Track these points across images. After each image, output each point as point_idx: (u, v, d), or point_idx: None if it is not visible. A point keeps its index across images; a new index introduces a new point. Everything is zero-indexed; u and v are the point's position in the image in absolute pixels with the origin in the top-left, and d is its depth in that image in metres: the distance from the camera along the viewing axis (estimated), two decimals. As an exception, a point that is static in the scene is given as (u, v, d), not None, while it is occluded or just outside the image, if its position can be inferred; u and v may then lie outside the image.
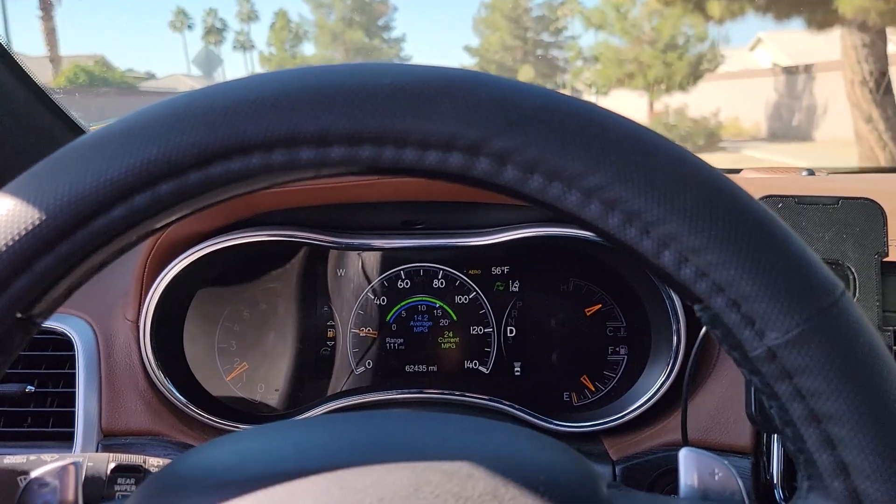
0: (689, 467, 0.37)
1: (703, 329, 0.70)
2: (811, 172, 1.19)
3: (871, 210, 0.61)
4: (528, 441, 0.37)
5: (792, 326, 0.29)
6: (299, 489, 0.32)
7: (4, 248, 0.30)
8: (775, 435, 0.73)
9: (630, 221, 0.30)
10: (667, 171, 0.30)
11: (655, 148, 0.31)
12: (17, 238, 0.30)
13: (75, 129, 1.08)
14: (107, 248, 0.32)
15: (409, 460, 0.33)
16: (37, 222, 0.30)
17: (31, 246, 0.30)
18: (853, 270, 0.61)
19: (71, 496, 0.37)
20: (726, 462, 0.37)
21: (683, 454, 0.38)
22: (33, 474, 0.37)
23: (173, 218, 0.32)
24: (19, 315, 0.31)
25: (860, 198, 0.62)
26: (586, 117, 0.31)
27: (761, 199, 0.66)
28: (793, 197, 0.63)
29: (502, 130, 0.30)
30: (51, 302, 0.32)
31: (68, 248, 0.30)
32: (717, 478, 0.37)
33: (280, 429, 0.39)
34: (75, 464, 0.38)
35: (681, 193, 0.30)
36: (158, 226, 0.32)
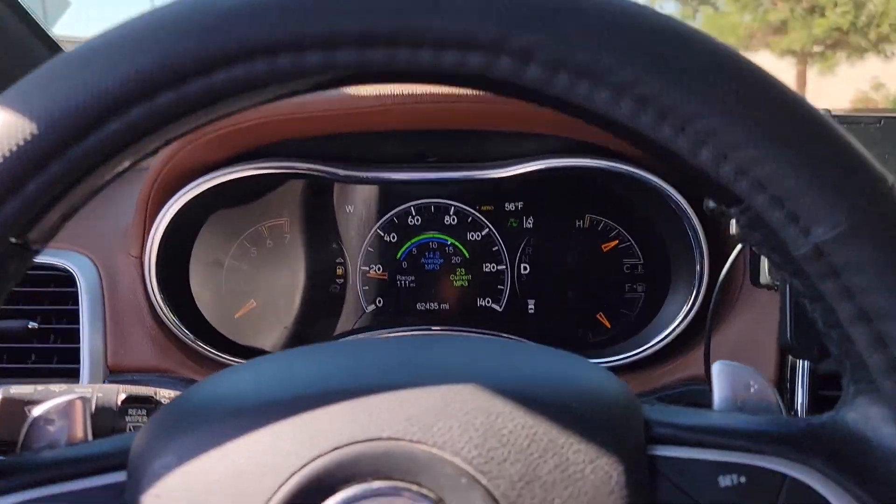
0: (724, 380, 0.36)
1: (731, 258, 0.68)
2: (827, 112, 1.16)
3: (914, 128, 0.58)
4: (560, 359, 0.36)
5: (840, 221, 0.28)
6: (325, 413, 0.31)
7: None
8: (801, 367, 0.71)
9: (664, 118, 0.28)
10: (702, 62, 0.28)
11: (689, 38, 0.29)
12: (4, 157, 0.28)
13: (54, 48, 1.04)
14: (103, 169, 0.29)
15: (436, 380, 0.32)
16: (26, 140, 0.28)
17: (21, 165, 0.28)
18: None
19: (79, 432, 0.36)
20: (760, 374, 0.36)
21: (717, 367, 0.36)
22: (36, 411, 0.36)
23: (174, 134, 0.30)
24: (13, 240, 0.29)
25: None
26: (614, 6, 0.29)
27: None
28: (833, 116, 0.60)
29: (525, 24, 0.28)
30: (47, 228, 0.30)
31: (61, 168, 0.28)
32: (752, 389, 0.36)
33: (300, 354, 0.38)
34: (83, 398, 0.36)
35: (717, 86, 0.28)
36: (158, 143, 0.30)
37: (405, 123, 0.82)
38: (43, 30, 1.01)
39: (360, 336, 0.89)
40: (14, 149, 0.28)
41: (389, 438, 0.30)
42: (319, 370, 0.35)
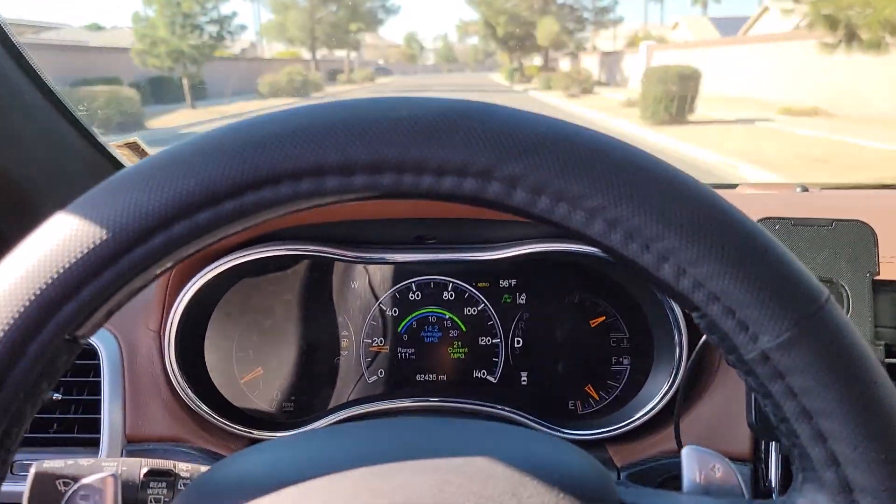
0: (691, 464, 0.40)
1: (702, 340, 0.73)
2: (805, 189, 1.23)
3: (862, 231, 0.65)
4: (544, 443, 0.41)
5: (782, 330, 0.32)
6: (331, 491, 0.35)
7: (57, 275, 0.32)
8: (773, 443, 0.76)
9: (631, 238, 0.33)
10: (663, 190, 0.33)
11: (652, 170, 0.34)
12: (68, 265, 0.32)
13: (96, 144, 1.12)
14: (147, 273, 0.34)
15: (433, 464, 0.36)
16: (86, 251, 0.32)
17: (81, 272, 0.32)
18: (846, 288, 0.65)
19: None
20: (726, 458, 0.41)
21: (686, 452, 0.41)
22: (75, 485, 0.40)
23: (207, 243, 0.35)
24: (67, 337, 0.33)
25: (853, 220, 0.66)
26: (588, 143, 0.34)
27: (759, 221, 0.69)
28: (789, 219, 0.66)
29: (511, 157, 0.33)
30: (93, 324, 0.34)
31: (112, 275, 0.33)
32: (717, 473, 0.40)
33: (310, 437, 0.42)
34: (114, 475, 0.41)
35: (676, 211, 0.32)
36: (193, 251, 0.35)
37: (406, 213, 0.89)
38: (87, 128, 1.09)
39: (361, 408, 0.94)
40: (75, 258, 0.33)
41: None
42: (331, 455, 0.39)
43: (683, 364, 0.86)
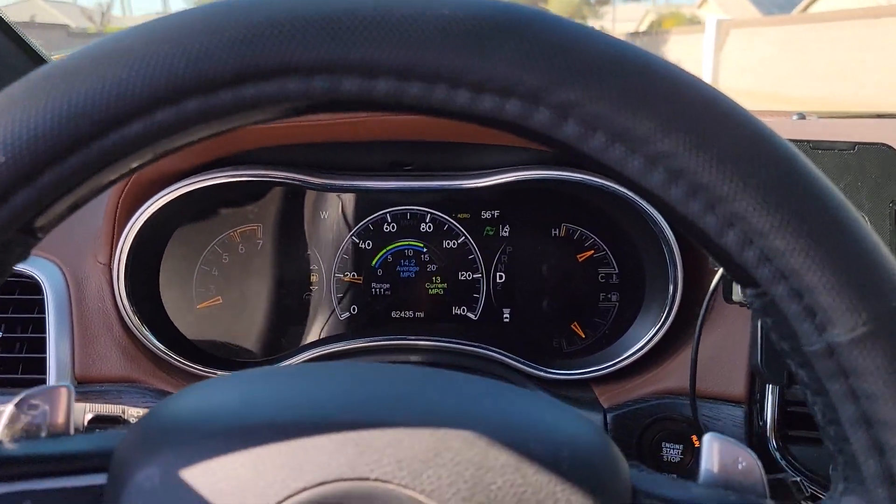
0: (712, 453, 0.36)
1: (715, 280, 0.68)
2: (802, 116, 1.17)
3: (887, 156, 0.59)
4: (553, 411, 0.36)
5: (858, 324, 0.27)
6: (312, 444, 0.30)
7: (14, 154, 0.27)
8: (770, 386, 0.72)
9: (695, 195, 0.28)
10: (742, 144, 0.28)
11: (732, 118, 0.28)
12: (27, 144, 0.27)
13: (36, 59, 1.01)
14: (120, 165, 0.29)
15: (428, 420, 0.31)
16: (49, 130, 0.27)
17: (42, 155, 0.27)
18: (866, 219, 0.60)
19: (61, 419, 0.35)
20: (751, 452, 0.36)
21: (707, 439, 0.36)
22: (23, 393, 0.35)
23: (193, 139, 0.29)
24: (22, 227, 0.29)
25: (877, 143, 0.59)
26: (660, 74, 0.28)
27: None
28: (807, 142, 0.60)
29: (567, 79, 0.27)
30: (54, 216, 0.30)
31: (79, 162, 0.28)
32: (740, 466, 0.35)
33: (291, 373, 0.37)
34: (68, 387, 0.35)
35: (755, 171, 0.28)
36: (174, 146, 0.29)
37: (381, 134, 0.81)
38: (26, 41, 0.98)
39: (332, 347, 0.88)
40: (35, 138, 0.27)
41: (377, 480, 0.29)
42: (311, 395, 0.34)
43: (677, 303, 0.81)
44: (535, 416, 0.34)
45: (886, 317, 0.27)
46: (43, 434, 0.34)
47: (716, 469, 0.35)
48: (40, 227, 0.30)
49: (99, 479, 0.31)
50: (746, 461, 0.35)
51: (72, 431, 0.35)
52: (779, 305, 0.29)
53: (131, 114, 0.27)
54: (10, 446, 0.32)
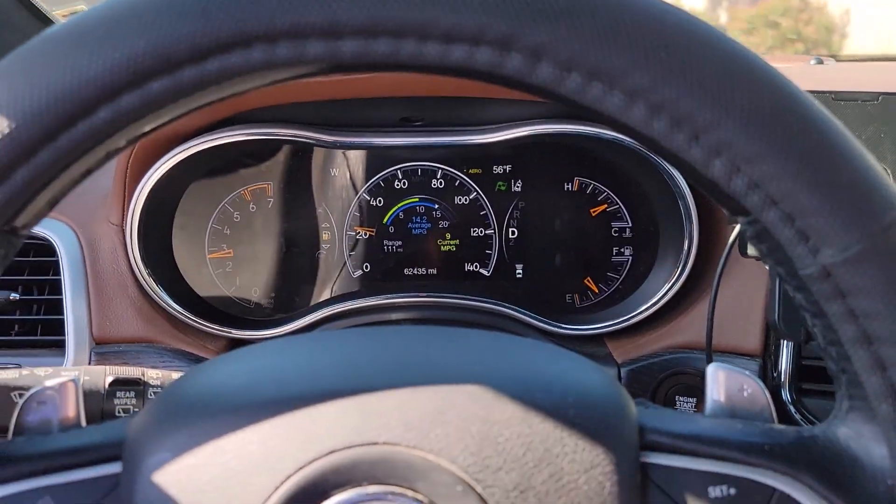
0: (717, 383, 0.36)
1: (734, 233, 0.67)
2: (819, 61, 1.14)
3: (912, 107, 0.57)
4: (556, 359, 0.36)
5: (851, 244, 0.27)
6: (320, 414, 0.30)
7: None
8: (786, 341, 0.72)
9: (678, 127, 0.28)
10: (721, 70, 0.27)
11: (709, 44, 0.28)
12: None
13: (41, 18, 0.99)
14: (92, 155, 0.29)
15: (432, 380, 0.32)
16: (13, 127, 0.27)
17: (8, 154, 0.27)
18: (889, 171, 0.58)
19: (72, 413, 0.35)
20: (755, 378, 0.36)
21: (711, 370, 0.36)
22: (32, 391, 0.35)
23: (164, 120, 0.29)
24: (3, 228, 0.29)
25: None
26: (632, 7, 0.27)
27: None
28: (829, 92, 0.59)
29: (537, 21, 0.27)
30: (33, 214, 0.30)
31: (50, 156, 0.28)
32: (745, 394, 0.36)
33: (294, 346, 0.37)
34: (74, 380, 0.36)
35: (736, 96, 0.27)
36: (147, 129, 0.29)
37: (391, 90, 0.79)
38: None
39: (345, 305, 0.88)
40: (2, 136, 0.27)
41: (386, 444, 0.30)
42: (316, 366, 0.34)
43: (692, 257, 0.80)
44: (537, 364, 0.35)
45: (879, 234, 0.27)
46: (55, 429, 0.34)
47: (721, 398, 0.35)
48: (22, 225, 0.30)
49: (114, 468, 0.32)
50: (751, 388, 0.36)
51: (83, 423, 0.35)
52: (771, 231, 0.28)
53: (96, 101, 0.27)
54: (23, 444, 0.33)
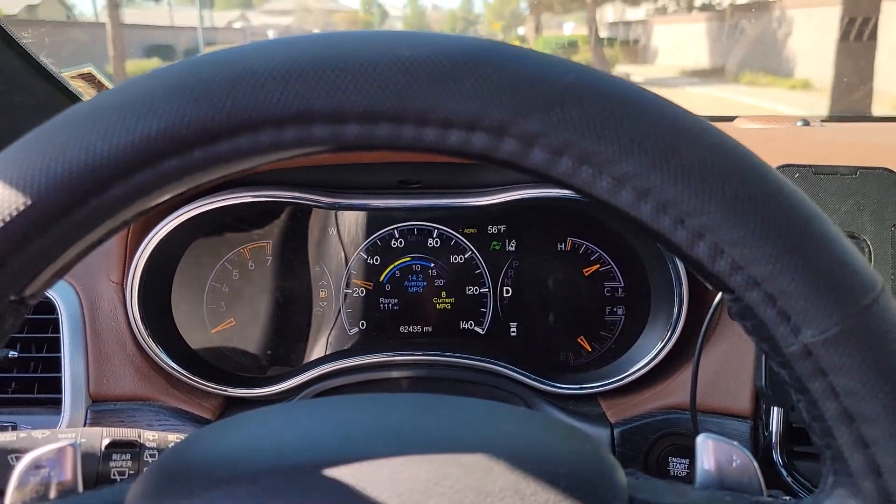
0: (707, 454, 0.37)
1: (718, 298, 0.68)
2: (806, 123, 1.17)
3: (888, 181, 0.59)
4: (548, 430, 0.36)
5: (831, 325, 0.28)
6: (314, 485, 0.31)
7: None
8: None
9: (664, 211, 0.29)
10: (705, 158, 0.29)
11: (694, 133, 0.29)
12: (9, 219, 0.28)
13: (60, 87, 1.02)
14: (103, 227, 0.30)
15: (427, 450, 0.32)
16: (30, 203, 0.28)
17: (24, 227, 0.28)
18: (869, 243, 0.60)
19: (69, 477, 0.36)
20: (744, 450, 0.37)
21: (700, 441, 0.37)
22: (29, 456, 0.36)
23: (172, 194, 0.30)
24: (12, 298, 0.30)
25: (879, 168, 0.60)
26: (620, 97, 0.29)
27: (778, 168, 0.64)
28: (810, 167, 0.61)
29: (530, 111, 0.28)
30: (41, 284, 0.31)
31: (63, 229, 0.29)
32: (735, 465, 0.36)
33: (292, 412, 0.38)
34: (73, 444, 0.36)
35: (719, 183, 0.28)
36: (154, 204, 0.30)
37: (389, 156, 0.82)
38: (50, 71, 0.99)
39: (342, 362, 0.89)
40: (20, 209, 0.28)
41: None
42: (312, 435, 0.35)
43: (683, 318, 0.82)
44: (530, 435, 0.35)
45: (857, 315, 0.28)
46: (52, 495, 0.35)
47: (711, 469, 0.36)
48: (30, 295, 0.31)
49: None
50: (741, 459, 0.36)
51: (80, 489, 0.35)
52: (754, 311, 0.29)
53: (110, 179, 0.28)
54: None
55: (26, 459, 0.35)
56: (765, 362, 0.60)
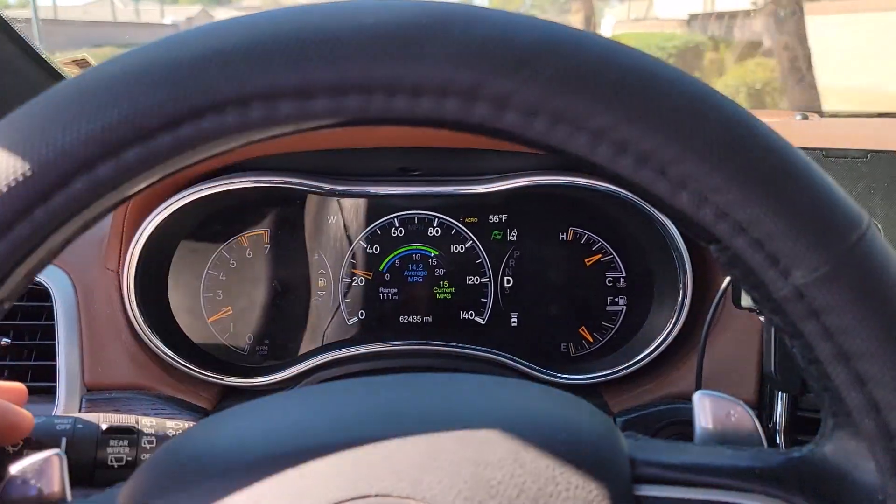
0: (704, 411, 0.36)
1: (725, 282, 0.68)
2: (805, 117, 1.17)
3: (900, 164, 0.59)
4: (543, 398, 0.36)
5: (820, 264, 0.28)
6: (310, 470, 0.30)
7: None
8: (781, 392, 0.72)
9: (643, 163, 0.28)
10: (681, 105, 0.28)
11: (667, 80, 0.29)
12: None
13: (41, 63, 1.00)
14: (69, 226, 0.28)
15: (420, 427, 0.32)
16: None
17: None
18: (880, 227, 0.60)
19: (56, 488, 0.35)
20: (741, 402, 0.37)
21: (697, 398, 0.37)
22: (14, 470, 0.35)
23: (141, 187, 0.29)
24: None
25: (889, 151, 0.60)
26: (589, 50, 0.28)
27: None
28: (820, 150, 0.60)
29: (500, 71, 0.28)
30: (12, 287, 0.29)
31: (26, 230, 0.27)
32: (733, 419, 0.36)
33: (283, 401, 0.37)
34: (59, 455, 0.36)
35: (698, 129, 0.28)
36: (124, 196, 0.29)
37: (389, 140, 0.81)
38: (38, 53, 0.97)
39: (340, 352, 0.88)
40: None
41: (378, 495, 0.29)
42: (304, 422, 0.34)
43: (687, 306, 0.81)
44: (525, 403, 0.35)
45: (845, 253, 0.28)
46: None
47: (709, 425, 0.35)
48: (1, 299, 0.29)
49: None
50: (737, 413, 0.36)
51: (69, 497, 0.35)
52: (742, 257, 0.29)
53: (72, 172, 0.27)
54: None
55: (11, 472, 0.34)
56: (774, 347, 0.60)
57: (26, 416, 0.49)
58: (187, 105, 0.27)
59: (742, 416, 0.36)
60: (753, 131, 0.29)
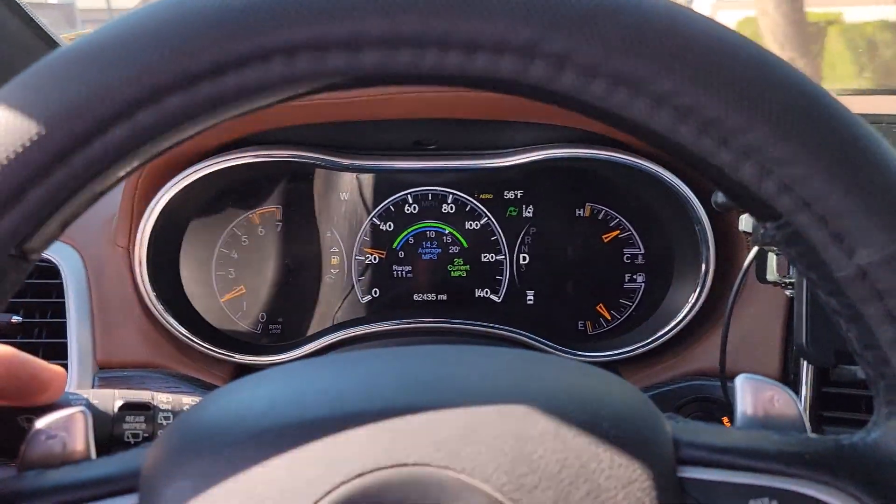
0: (746, 395, 0.35)
1: (751, 255, 0.66)
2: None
3: (935, 130, 0.57)
4: (588, 375, 0.35)
5: (888, 243, 0.27)
6: (345, 437, 0.29)
7: None
8: (806, 365, 0.71)
9: (706, 131, 0.27)
10: (749, 73, 0.27)
11: (736, 47, 0.27)
12: (6, 163, 0.26)
13: (49, 41, 0.99)
14: (106, 175, 0.28)
15: (461, 398, 0.31)
16: (27, 146, 0.26)
17: (22, 174, 0.26)
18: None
19: (81, 446, 0.34)
20: (785, 387, 0.35)
21: (740, 381, 0.35)
22: (38, 424, 0.34)
23: (179, 139, 0.28)
24: (12, 252, 0.28)
25: None
26: (656, 10, 0.27)
27: None
28: (884, 115, 0.58)
29: (560, 27, 0.26)
30: (45, 237, 0.29)
31: (64, 176, 0.27)
32: (777, 404, 0.35)
33: (315, 367, 0.36)
34: (84, 412, 0.34)
35: (766, 98, 0.27)
36: (162, 148, 0.28)
37: (405, 113, 0.79)
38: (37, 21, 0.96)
39: (354, 330, 0.86)
40: (13, 157, 0.26)
41: (416, 464, 0.28)
42: (338, 388, 0.33)
43: (709, 282, 0.80)
44: (567, 379, 0.33)
45: None
46: (64, 462, 0.33)
47: (752, 411, 0.34)
48: (32, 249, 0.29)
49: (130, 500, 0.30)
50: (782, 398, 0.35)
51: (93, 455, 0.34)
52: (803, 234, 0.28)
53: (111, 119, 0.26)
54: (33, 479, 0.31)
55: (36, 427, 0.33)
56: (805, 319, 0.59)
57: (60, 374, 0.49)
58: (233, 53, 0.26)
59: (786, 402, 0.35)
60: (823, 104, 0.27)
